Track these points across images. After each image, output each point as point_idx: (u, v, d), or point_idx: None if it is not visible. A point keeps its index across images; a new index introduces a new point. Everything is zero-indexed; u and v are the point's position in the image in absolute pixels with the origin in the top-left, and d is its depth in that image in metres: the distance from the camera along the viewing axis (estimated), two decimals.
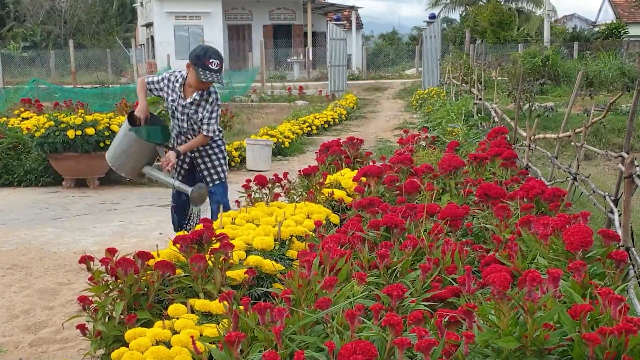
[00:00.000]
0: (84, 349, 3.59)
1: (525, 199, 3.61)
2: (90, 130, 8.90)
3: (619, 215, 3.52)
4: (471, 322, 2.04)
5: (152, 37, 34.01)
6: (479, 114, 11.85)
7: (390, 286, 2.35)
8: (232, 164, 11.09)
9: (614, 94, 15.76)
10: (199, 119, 4.87)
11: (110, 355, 2.48)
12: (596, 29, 35.93)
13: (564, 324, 1.95)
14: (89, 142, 8.92)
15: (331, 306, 2.27)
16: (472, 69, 17.41)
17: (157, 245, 3.48)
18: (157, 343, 2.49)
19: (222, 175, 5.12)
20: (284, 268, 3.31)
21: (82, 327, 2.80)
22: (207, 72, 4.66)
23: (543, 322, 1.93)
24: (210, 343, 2.41)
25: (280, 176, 4.98)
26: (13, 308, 4.54)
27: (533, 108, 14.09)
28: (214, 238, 3.20)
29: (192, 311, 2.77)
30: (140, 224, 7.06)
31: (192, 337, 2.35)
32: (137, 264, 2.91)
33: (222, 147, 5.16)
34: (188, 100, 4.85)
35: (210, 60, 4.66)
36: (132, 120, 4.90)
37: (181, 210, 5.11)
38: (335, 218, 4.40)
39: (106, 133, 9.05)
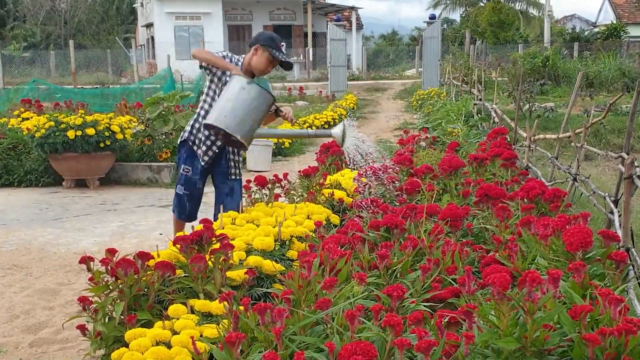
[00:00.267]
0: (84, 349, 3.59)
1: (525, 200, 3.62)
2: (90, 131, 8.91)
3: (619, 216, 3.52)
4: (471, 323, 2.04)
5: (152, 38, 34.01)
6: (479, 115, 11.86)
7: (390, 287, 2.35)
8: None
9: (614, 94, 15.76)
10: None
11: (110, 356, 2.48)
12: (596, 30, 35.93)
13: (564, 324, 1.95)
14: (89, 143, 8.93)
15: (331, 307, 2.27)
16: (472, 69, 17.42)
17: (157, 245, 3.49)
18: (157, 343, 2.49)
19: (241, 171, 4.99)
20: (284, 268, 3.31)
21: (82, 328, 2.80)
22: (282, 53, 4.62)
23: (543, 322, 1.93)
24: (210, 343, 2.41)
25: (281, 177, 4.98)
26: (13, 308, 4.54)
27: (533, 108, 14.10)
28: (214, 238, 3.20)
29: (192, 312, 2.77)
30: (140, 224, 7.06)
31: (192, 337, 2.35)
32: (137, 264, 2.91)
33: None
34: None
35: (282, 44, 4.68)
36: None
37: (196, 200, 4.89)
38: (335, 219, 4.40)
39: (106, 133, 9.06)
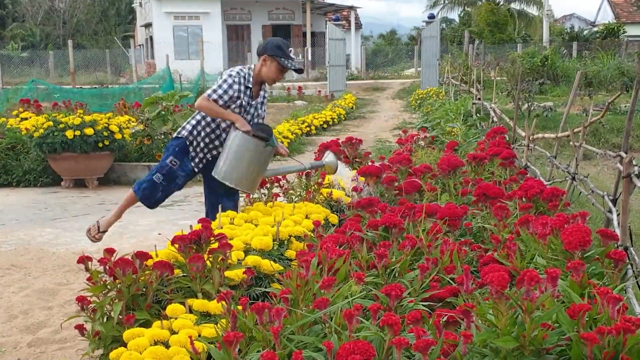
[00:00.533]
0: (83, 349, 3.58)
1: (523, 199, 3.62)
2: (89, 131, 8.90)
3: (618, 215, 3.52)
4: (469, 322, 2.04)
5: (151, 38, 34.01)
6: (477, 114, 11.85)
7: (388, 286, 2.35)
8: None
9: (612, 93, 15.76)
10: (261, 115, 4.77)
11: (109, 356, 2.48)
12: (595, 29, 35.95)
13: (562, 323, 1.95)
14: (88, 143, 8.92)
15: (329, 306, 2.26)
16: (471, 68, 17.42)
17: (155, 245, 3.48)
18: (156, 343, 2.49)
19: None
20: (282, 268, 3.30)
21: (80, 328, 2.80)
22: (292, 60, 4.62)
23: (541, 321, 1.93)
24: (208, 343, 2.40)
25: (279, 176, 4.98)
26: (12, 308, 4.54)
27: (532, 108, 14.09)
28: (212, 238, 3.19)
29: (191, 311, 2.77)
30: (138, 224, 7.05)
31: (190, 337, 2.35)
32: (136, 264, 2.91)
33: None
34: (259, 100, 4.72)
35: (290, 50, 4.66)
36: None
37: (168, 193, 4.87)
38: (334, 218, 4.40)
39: (105, 133, 9.05)
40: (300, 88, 22.64)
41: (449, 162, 4.74)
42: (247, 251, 3.42)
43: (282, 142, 12.49)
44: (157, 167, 4.83)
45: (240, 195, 4.81)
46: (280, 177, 5.01)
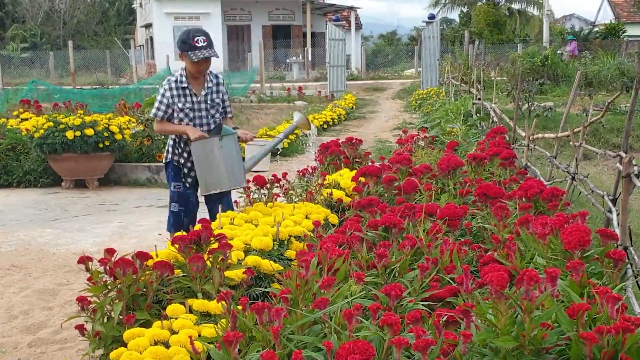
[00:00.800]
0: (83, 349, 3.59)
1: (523, 199, 3.62)
2: (89, 131, 8.91)
3: (617, 215, 3.53)
4: (469, 322, 2.05)
5: (151, 38, 34.03)
6: (478, 114, 11.85)
7: (388, 286, 2.35)
8: None
9: (612, 93, 15.75)
10: (219, 105, 4.75)
11: (109, 356, 2.48)
12: (595, 29, 35.95)
13: (561, 323, 1.95)
14: (88, 143, 8.93)
15: (329, 306, 2.27)
16: (471, 68, 17.42)
17: (155, 245, 3.48)
18: (156, 343, 2.49)
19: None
20: (282, 268, 3.31)
21: (80, 328, 2.80)
22: (197, 51, 4.48)
23: (541, 321, 1.94)
24: (208, 343, 2.41)
25: (279, 176, 4.98)
26: (12, 309, 4.54)
27: (532, 108, 14.09)
28: (212, 238, 3.20)
29: (191, 311, 2.78)
30: (139, 224, 7.05)
31: (190, 337, 2.35)
32: (136, 264, 2.91)
33: None
34: (202, 94, 4.68)
35: (195, 39, 4.49)
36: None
37: (192, 214, 4.89)
38: (334, 218, 4.40)
39: (105, 134, 9.05)
40: (300, 88, 22.64)
41: (449, 162, 4.74)
42: (247, 251, 3.42)
43: (282, 143, 12.50)
44: (169, 199, 4.96)
45: (241, 194, 4.81)
46: (280, 177, 5.00)
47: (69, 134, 8.81)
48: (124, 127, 9.65)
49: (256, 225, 3.89)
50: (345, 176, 5.35)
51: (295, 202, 4.69)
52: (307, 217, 4.15)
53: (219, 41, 30.90)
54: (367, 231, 3.36)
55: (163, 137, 9.89)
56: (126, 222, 7.23)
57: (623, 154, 3.52)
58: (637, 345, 1.81)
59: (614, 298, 1.95)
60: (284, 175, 5.08)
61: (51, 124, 8.93)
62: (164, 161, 4.94)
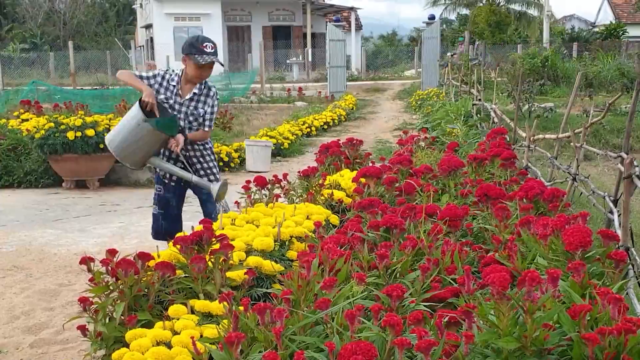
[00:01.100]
0: (85, 350, 3.59)
1: (524, 200, 3.62)
2: (90, 132, 8.92)
3: (619, 216, 3.53)
4: (471, 323, 2.05)
5: (151, 39, 34.04)
6: (478, 115, 11.86)
7: (389, 286, 2.35)
8: (232, 165, 11.11)
9: (613, 94, 15.76)
10: (200, 115, 4.71)
11: (111, 356, 2.49)
12: (595, 30, 35.96)
13: (563, 324, 1.96)
14: (89, 144, 8.94)
15: (331, 307, 2.27)
16: (471, 69, 17.42)
17: (157, 246, 3.49)
18: (158, 344, 2.49)
19: (217, 175, 4.93)
20: (283, 269, 3.31)
21: (82, 328, 2.81)
22: (204, 55, 4.53)
23: (542, 322, 1.94)
24: (210, 344, 2.41)
25: (280, 177, 4.98)
26: (13, 309, 4.55)
27: (532, 109, 14.10)
28: (213, 239, 3.20)
29: (193, 312, 2.78)
30: (140, 225, 7.06)
31: (192, 337, 2.35)
32: (138, 264, 2.91)
33: (212, 145, 5.03)
34: (187, 97, 4.68)
35: (205, 44, 4.55)
36: (141, 107, 4.51)
37: (170, 218, 4.88)
38: (334, 219, 4.40)
39: (105, 134, 9.05)
40: (300, 89, 22.65)
41: (449, 163, 4.74)
42: (249, 252, 3.42)
43: (283, 143, 12.51)
44: (153, 200, 4.96)
45: (242, 195, 4.81)
46: (281, 177, 5.01)
47: (70, 135, 8.82)
48: None
49: (257, 226, 3.89)
50: (345, 177, 5.35)
51: (296, 203, 4.69)
52: (308, 218, 4.15)
53: (219, 42, 30.90)
54: (368, 232, 3.36)
55: None
56: (127, 222, 7.24)
57: (624, 155, 3.52)
58: (639, 347, 1.81)
59: (615, 299, 1.95)
60: (285, 175, 5.09)
61: (52, 124, 8.94)
62: None
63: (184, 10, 32.06)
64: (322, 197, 4.82)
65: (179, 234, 3.29)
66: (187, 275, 3.03)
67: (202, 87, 4.72)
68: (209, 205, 4.81)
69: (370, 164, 5.63)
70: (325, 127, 16.21)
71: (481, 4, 37.40)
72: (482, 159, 5.05)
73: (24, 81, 22.97)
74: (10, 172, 9.46)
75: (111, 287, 2.89)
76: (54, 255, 5.94)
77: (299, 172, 5.41)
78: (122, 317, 2.75)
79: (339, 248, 3.03)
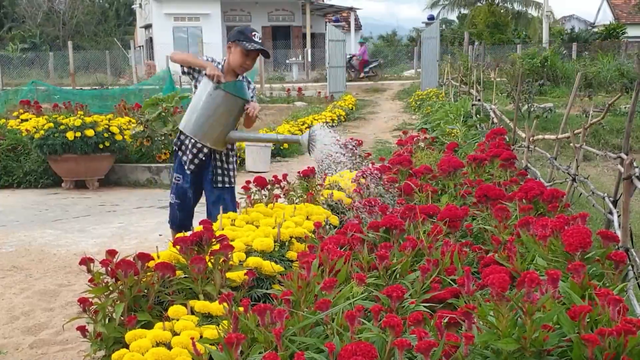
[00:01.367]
0: (84, 350, 3.59)
1: (524, 200, 3.62)
2: (89, 132, 8.92)
3: (618, 217, 3.53)
4: (471, 324, 2.05)
5: (151, 39, 34.02)
6: (477, 115, 11.86)
7: (389, 287, 2.35)
8: None
9: (612, 95, 15.77)
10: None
11: (111, 357, 2.48)
12: (595, 30, 35.97)
13: (563, 325, 1.96)
14: (89, 144, 8.93)
15: (331, 307, 2.27)
16: (471, 69, 17.43)
17: (157, 246, 3.48)
18: (158, 344, 2.49)
19: (233, 179, 4.79)
20: (283, 269, 3.31)
21: (82, 329, 2.81)
22: (253, 42, 4.48)
23: (542, 323, 1.94)
24: (210, 344, 2.41)
25: (280, 177, 4.99)
26: (13, 310, 4.54)
27: (532, 109, 14.11)
28: (213, 239, 3.20)
29: (192, 312, 2.78)
30: (140, 225, 7.06)
31: (192, 338, 2.35)
32: (137, 265, 2.91)
33: (236, 150, 4.90)
34: None
35: (253, 33, 4.52)
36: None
37: (187, 210, 4.79)
38: (334, 219, 4.40)
39: (105, 135, 9.07)
40: (300, 89, 22.65)
41: (449, 164, 4.75)
42: (249, 252, 3.43)
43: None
44: (170, 189, 4.86)
45: (242, 195, 4.81)
46: (280, 178, 5.01)
47: (69, 135, 8.82)
48: (124, 127, 9.65)
49: (257, 227, 3.89)
50: (345, 177, 5.35)
51: (296, 203, 4.69)
52: (308, 219, 4.16)
53: (219, 42, 30.93)
54: (368, 232, 3.36)
55: (163, 137, 9.91)
56: (127, 223, 7.24)
57: (624, 156, 3.53)
58: (639, 347, 1.81)
59: (615, 300, 1.95)
60: (285, 176, 5.09)
61: (51, 124, 8.94)
62: (174, 147, 4.77)
63: (184, 10, 32.06)
64: (322, 198, 4.82)
65: (179, 235, 3.29)
66: (187, 276, 3.03)
67: (242, 79, 4.64)
68: (213, 210, 4.69)
69: (370, 164, 5.63)
70: None
71: (480, 4, 37.41)
72: (482, 159, 5.05)
73: (23, 81, 22.97)
74: (10, 173, 9.45)
75: (111, 288, 2.90)
76: (54, 255, 5.93)
77: (298, 172, 5.41)
78: (122, 318, 2.75)
79: (338, 249, 3.03)
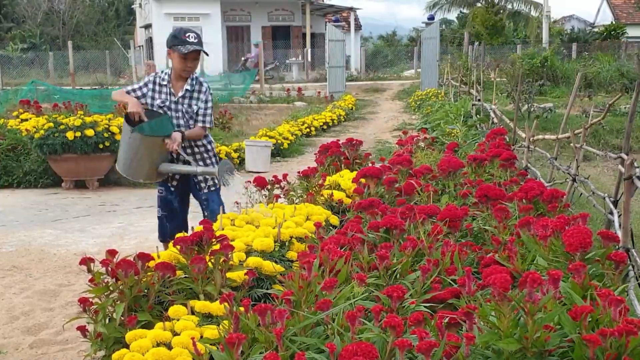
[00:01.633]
0: (85, 350, 3.59)
1: (524, 200, 3.62)
2: (89, 132, 8.92)
3: (619, 217, 3.53)
4: (471, 324, 2.05)
5: (150, 39, 33.99)
6: (477, 115, 11.86)
7: (390, 287, 2.35)
8: None
9: (612, 95, 15.78)
10: (194, 112, 4.62)
11: (111, 357, 2.49)
12: (595, 30, 35.97)
13: (564, 325, 1.95)
14: (88, 144, 8.93)
15: (331, 307, 2.27)
16: (470, 70, 17.43)
17: (157, 246, 3.49)
18: (158, 344, 2.49)
19: (217, 180, 4.77)
20: (283, 269, 3.31)
21: (82, 329, 2.81)
22: (187, 44, 4.44)
23: (543, 323, 1.94)
24: (210, 344, 2.41)
25: (280, 178, 4.98)
26: (13, 310, 4.54)
27: (532, 109, 14.11)
28: (214, 239, 3.20)
29: (193, 312, 2.78)
30: (140, 225, 7.06)
31: (192, 338, 2.35)
32: (138, 265, 2.91)
33: (213, 146, 4.91)
34: (179, 94, 4.59)
35: (187, 34, 4.46)
36: (130, 121, 4.46)
37: (176, 220, 4.82)
38: (334, 219, 4.40)
39: (105, 134, 9.07)
40: (300, 89, 22.65)
41: (449, 164, 4.74)
42: (249, 252, 3.42)
43: (282, 143, 12.50)
44: (157, 203, 4.89)
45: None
46: (280, 178, 5.00)
47: (69, 135, 8.81)
48: None
49: (257, 227, 3.89)
50: (345, 177, 5.35)
51: (296, 203, 4.69)
52: (308, 219, 4.15)
53: (219, 42, 30.93)
54: (368, 232, 3.36)
55: None
56: (126, 222, 7.23)
57: (625, 156, 3.52)
58: None
59: (616, 300, 1.95)
60: (285, 176, 5.09)
61: (51, 124, 8.94)
62: None
63: (184, 10, 32.03)
64: (322, 198, 4.82)
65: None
66: (187, 275, 3.02)
67: (194, 83, 4.64)
68: (204, 210, 4.77)
69: (370, 165, 5.63)
70: (325, 127, 16.21)
71: (479, 4, 37.41)
72: (482, 159, 5.05)
73: (23, 81, 22.96)
74: (10, 172, 9.45)
75: (111, 288, 2.89)
76: (54, 255, 5.93)
77: (298, 172, 5.41)
78: (122, 318, 2.75)
79: (339, 249, 3.03)
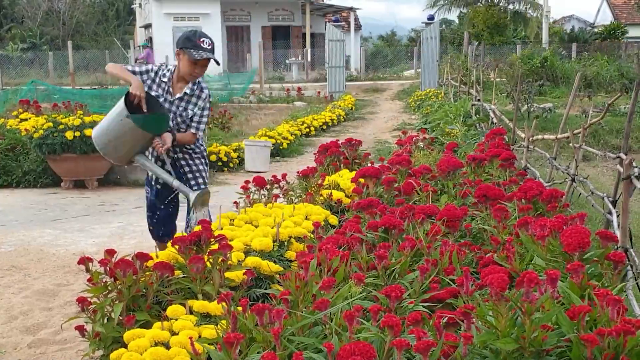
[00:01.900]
0: (83, 350, 3.59)
1: (523, 200, 3.62)
2: (88, 132, 8.89)
3: (617, 217, 3.53)
4: (469, 323, 2.05)
5: (150, 38, 33.99)
6: (477, 115, 11.86)
7: (388, 287, 2.35)
8: (231, 165, 11.11)
9: (612, 95, 15.77)
10: (189, 117, 4.46)
11: (109, 357, 2.48)
12: (595, 30, 35.98)
13: (562, 325, 1.95)
14: (88, 144, 8.91)
15: (329, 307, 2.27)
16: (470, 70, 17.43)
17: (155, 246, 3.49)
18: (156, 344, 2.49)
19: (206, 179, 4.68)
20: (282, 269, 3.31)
21: (81, 329, 2.80)
22: (200, 50, 4.29)
23: (541, 323, 1.94)
24: (209, 344, 2.41)
25: (279, 177, 4.98)
26: (12, 309, 4.54)
27: (531, 109, 14.11)
28: (212, 239, 3.20)
29: (191, 312, 2.78)
30: (139, 225, 7.04)
31: (190, 338, 2.35)
32: (136, 265, 2.91)
33: (205, 148, 4.81)
34: (177, 96, 4.43)
35: (202, 39, 4.31)
36: (128, 101, 4.18)
37: (162, 221, 4.72)
38: (333, 219, 4.40)
39: None
40: (299, 89, 22.65)
41: (448, 164, 4.74)
42: (247, 252, 3.42)
43: (282, 143, 12.50)
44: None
45: (241, 195, 4.80)
46: (280, 177, 5.00)
47: (69, 135, 8.81)
48: None
49: (256, 226, 3.89)
50: (344, 177, 5.35)
51: (295, 203, 4.68)
52: (307, 218, 4.15)
53: (219, 42, 30.88)
54: (367, 232, 3.36)
55: None
56: (126, 222, 7.23)
57: (623, 156, 3.52)
58: (638, 348, 1.81)
59: (614, 300, 1.95)
60: (284, 176, 5.08)
61: (51, 124, 8.94)
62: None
63: (183, 10, 32.03)
64: (321, 198, 4.82)
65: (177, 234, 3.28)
66: (185, 275, 3.02)
67: (195, 87, 4.46)
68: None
69: (369, 164, 5.63)
70: (325, 127, 16.21)
71: (480, 4, 37.40)
72: (481, 159, 5.05)
73: (22, 81, 22.97)
74: (9, 172, 9.45)
75: (109, 288, 2.89)
76: (53, 255, 5.93)
77: (298, 172, 5.41)
78: (121, 318, 2.75)
79: (337, 248, 3.03)
